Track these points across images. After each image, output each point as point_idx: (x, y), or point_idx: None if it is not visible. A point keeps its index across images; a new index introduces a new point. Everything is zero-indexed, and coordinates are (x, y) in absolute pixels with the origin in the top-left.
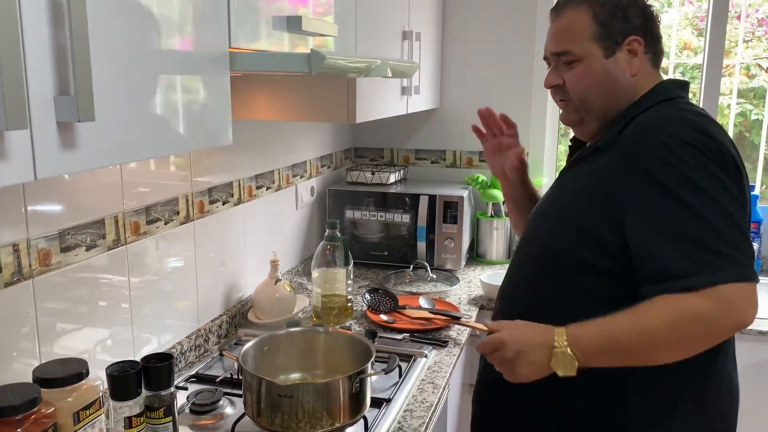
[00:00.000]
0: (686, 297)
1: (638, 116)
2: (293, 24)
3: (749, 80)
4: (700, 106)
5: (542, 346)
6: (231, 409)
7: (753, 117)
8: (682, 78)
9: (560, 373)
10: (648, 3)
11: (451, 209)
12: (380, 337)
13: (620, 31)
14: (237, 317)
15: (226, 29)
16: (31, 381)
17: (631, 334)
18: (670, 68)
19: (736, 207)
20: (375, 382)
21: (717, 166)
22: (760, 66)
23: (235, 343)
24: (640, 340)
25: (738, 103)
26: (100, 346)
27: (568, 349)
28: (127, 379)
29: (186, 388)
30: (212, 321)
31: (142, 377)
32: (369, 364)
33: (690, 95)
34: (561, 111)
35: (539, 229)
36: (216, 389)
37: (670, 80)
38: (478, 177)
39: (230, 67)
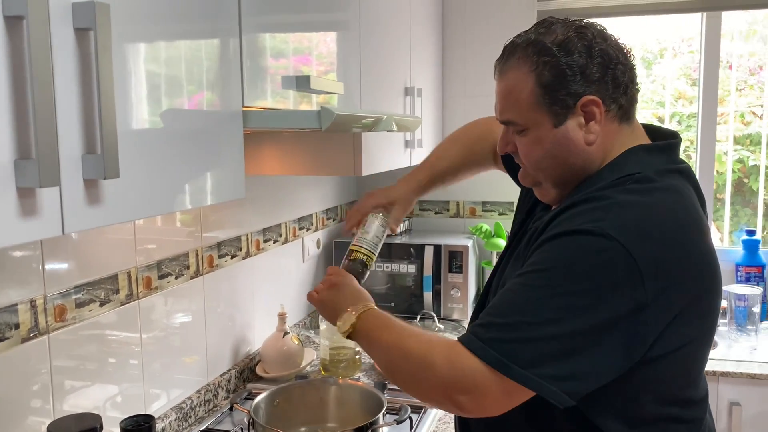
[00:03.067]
0: (444, 342)
1: (578, 204)
2: (302, 83)
3: (745, 127)
4: (698, 153)
5: (347, 302)
6: None
7: (751, 163)
8: (671, 130)
9: (338, 325)
10: (610, 41)
11: (456, 259)
12: (389, 388)
13: (570, 94)
14: (245, 372)
15: (240, 89)
16: None
17: (390, 334)
18: (666, 117)
19: (571, 314)
20: None
21: (590, 272)
22: (754, 113)
23: (246, 397)
24: (387, 345)
25: (735, 150)
26: (111, 402)
27: (354, 317)
28: None
29: None
30: (221, 375)
31: None
32: (381, 415)
33: (670, 152)
34: (519, 172)
35: None
36: None
37: (644, 146)
38: (482, 226)
39: (243, 125)
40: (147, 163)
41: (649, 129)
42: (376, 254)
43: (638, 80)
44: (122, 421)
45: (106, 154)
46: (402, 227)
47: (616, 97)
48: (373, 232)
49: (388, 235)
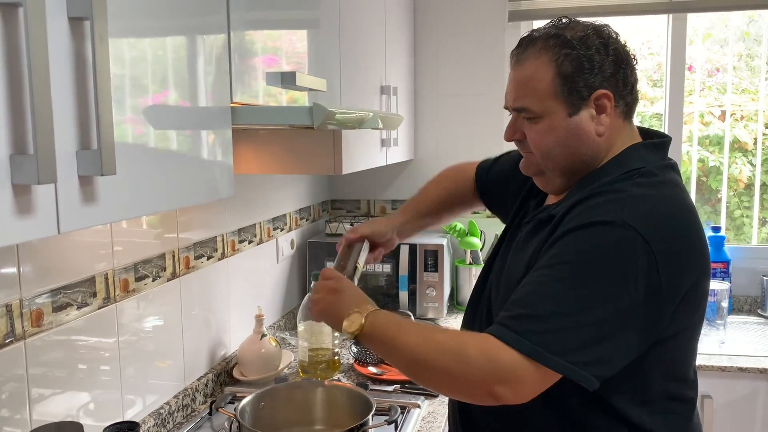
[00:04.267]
0: (474, 335)
1: (591, 197)
2: (287, 79)
3: (705, 127)
4: None
5: (352, 303)
6: None
7: (710, 163)
8: (660, 131)
9: (344, 325)
10: (621, 43)
11: (431, 258)
12: (371, 389)
13: (587, 86)
14: (222, 375)
15: (228, 85)
16: None
17: (411, 333)
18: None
19: (596, 303)
20: None
21: (611, 261)
22: (712, 114)
23: (229, 402)
24: (414, 342)
25: (697, 150)
26: (84, 410)
27: (363, 317)
28: None
29: None
30: (198, 380)
31: None
32: (370, 417)
33: (663, 150)
34: (522, 160)
35: (499, 302)
36: None
37: (643, 143)
38: (456, 225)
39: (232, 121)
40: (139, 160)
41: (641, 130)
42: (355, 280)
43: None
44: (105, 429)
45: (102, 149)
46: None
47: (624, 94)
48: (352, 258)
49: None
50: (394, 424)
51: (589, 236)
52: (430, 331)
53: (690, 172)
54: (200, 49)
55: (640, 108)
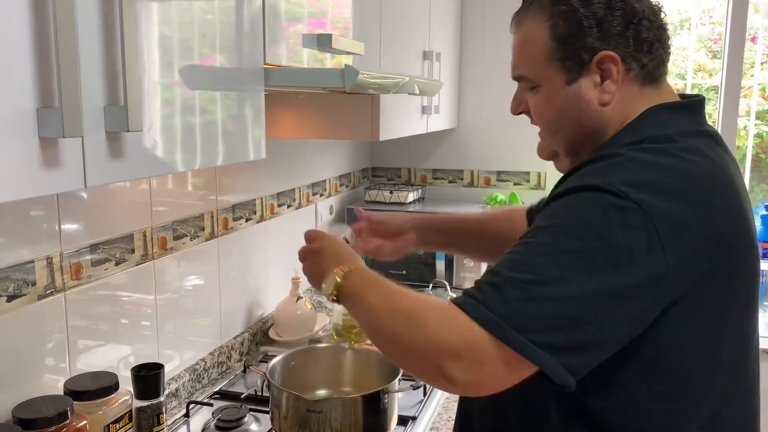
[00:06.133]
0: (440, 302)
1: (587, 164)
2: (323, 42)
3: (766, 102)
4: (719, 128)
5: (331, 263)
6: (256, 425)
7: None
8: (694, 93)
9: (322, 286)
10: None
11: None
12: None
13: (586, 48)
14: (258, 335)
15: (261, 46)
16: (62, 393)
17: (379, 294)
18: (688, 89)
19: (578, 275)
20: (400, 400)
21: (596, 228)
22: None
23: (260, 360)
24: (376, 303)
25: (755, 125)
26: (124, 362)
27: (339, 277)
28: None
29: (211, 404)
30: (234, 338)
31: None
32: (396, 381)
33: (696, 112)
34: (538, 144)
35: None
36: (241, 405)
37: (665, 104)
38: (497, 196)
39: (265, 83)
40: (168, 118)
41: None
42: None
43: (670, 42)
44: (133, 368)
45: (129, 105)
46: (412, 197)
47: (638, 55)
48: None
49: (402, 203)
50: (423, 390)
51: (573, 200)
52: (398, 294)
53: (746, 148)
54: (233, 10)
55: (697, 80)
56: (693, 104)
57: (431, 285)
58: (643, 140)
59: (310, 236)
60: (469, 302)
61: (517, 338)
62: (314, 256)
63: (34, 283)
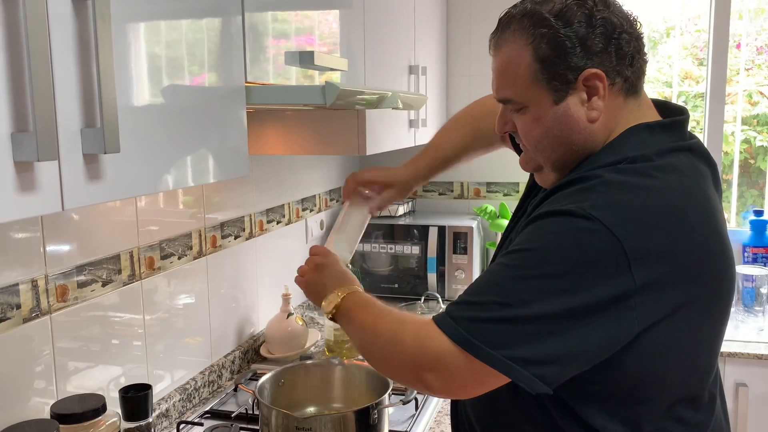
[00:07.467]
0: (419, 320)
1: (564, 186)
2: (305, 59)
3: (752, 107)
4: (705, 134)
5: (333, 283)
6: None
7: (757, 143)
8: (680, 105)
9: (323, 305)
10: (609, 10)
11: (460, 240)
12: None
13: (570, 68)
14: (249, 352)
15: (242, 65)
16: (48, 417)
17: (368, 313)
18: (674, 97)
19: (545, 296)
20: (392, 415)
21: (566, 253)
22: (762, 93)
23: (250, 378)
24: (364, 321)
25: (742, 130)
26: (114, 383)
27: (339, 298)
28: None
29: (201, 424)
30: (225, 356)
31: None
32: (386, 395)
33: (676, 130)
34: (521, 156)
35: None
36: (231, 425)
37: (647, 124)
38: (487, 207)
39: (246, 101)
40: (148, 138)
41: (657, 103)
42: (354, 248)
43: (646, 50)
44: (121, 389)
45: (106, 127)
46: (402, 209)
47: (621, 69)
48: (351, 224)
49: (392, 216)
50: (414, 404)
51: (547, 225)
52: (382, 315)
53: (734, 153)
54: (214, 29)
55: (684, 87)
56: (673, 123)
57: (423, 298)
58: (620, 161)
59: (315, 251)
60: (445, 321)
61: (489, 354)
62: (316, 271)
63: (18, 306)
